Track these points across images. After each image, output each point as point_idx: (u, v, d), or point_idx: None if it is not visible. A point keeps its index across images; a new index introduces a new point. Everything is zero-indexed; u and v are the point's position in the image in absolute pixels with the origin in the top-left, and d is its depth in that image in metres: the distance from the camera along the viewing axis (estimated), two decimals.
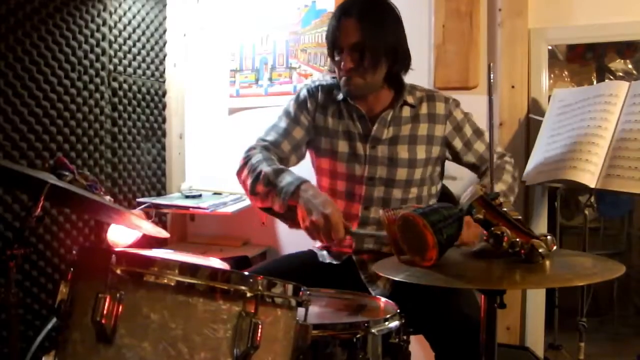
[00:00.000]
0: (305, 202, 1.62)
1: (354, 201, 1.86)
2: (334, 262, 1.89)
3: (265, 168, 1.73)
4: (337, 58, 1.78)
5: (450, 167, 2.02)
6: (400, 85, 1.86)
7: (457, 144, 1.89)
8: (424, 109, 1.87)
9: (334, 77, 1.91)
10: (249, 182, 1.76)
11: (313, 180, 1.91)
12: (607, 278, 1.11)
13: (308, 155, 1.97)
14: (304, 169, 1.92)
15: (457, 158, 1.92)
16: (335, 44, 1.76)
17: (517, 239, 1.16)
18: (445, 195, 2.05)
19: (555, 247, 1.19)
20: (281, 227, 2.88)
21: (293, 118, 1.90)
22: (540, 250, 1.14)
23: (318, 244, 1.99)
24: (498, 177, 1.86)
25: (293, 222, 1.69)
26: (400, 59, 1.81)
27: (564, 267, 1.19)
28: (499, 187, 1.82)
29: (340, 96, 1.87)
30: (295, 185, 1.65)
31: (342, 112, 1.88)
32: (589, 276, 1.14)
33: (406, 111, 1.86)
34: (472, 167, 1.94)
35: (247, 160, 1.81)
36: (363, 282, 1.81)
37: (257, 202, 1.78)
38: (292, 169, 1.80)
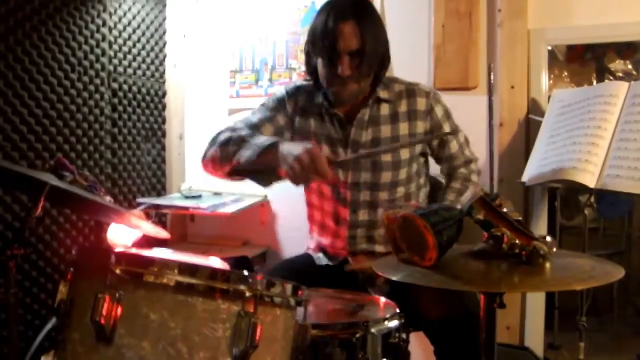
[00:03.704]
0: (286, 149, 1.57)
1: (341, 205, 1.84)
2: (330, 264, 1.90)
3: (236, 134, 1.72)
4: (324, 63, 1.70)
5: None
6: (377, 81, 1.79)
7: (434, 140, 1.87)
8: (403, 106, 1.81)
9: (307, 80, 1.86)
10: (214, 149, 1.77)
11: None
12: (606, 282, 1.11)
13: None
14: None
15: (432, 152, 1.92)
16: (332, 48, 1.66)
17: (517, 241, 1.17)
18: (435, 184, 2.05)
19: (555, 249, 1.19)
20: (281, 227, 2.88)
21: (267, 115, 1.85)
22: (541, 253, 1.15)
23: (314, 245, 1.99)
24: (462, 191, 1.86)
25: (269, 177, 1.66)
26: (387, 62, 1.78)
27: (563, 269, 1.19)
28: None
29: (320, 99, 1.81)
30: (271, 140, 1.62)
31: (323, 117, 1.83)
32: (587, 280, 1.14)
33: (384, 109, 1.81)
34: (439, 161, 1.93)
35: (214, 138, 1.81)
36: (360, 282, 1.81)
37: (223, 168, 1.75)
38: None
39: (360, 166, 1.80)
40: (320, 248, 1.94)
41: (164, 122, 2.94)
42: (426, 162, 1.96)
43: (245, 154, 1.66)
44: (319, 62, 1.73)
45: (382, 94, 1.80)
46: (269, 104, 1.89)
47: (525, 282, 1.15)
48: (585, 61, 3.39)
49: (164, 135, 2.94)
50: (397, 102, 1.81)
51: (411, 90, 1.83)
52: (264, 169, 1.67)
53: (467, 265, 1.24)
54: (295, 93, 1.88)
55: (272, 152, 1.60)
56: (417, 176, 1.89)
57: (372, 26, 1.68)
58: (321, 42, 1.68)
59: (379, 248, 1.84)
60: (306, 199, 1.97)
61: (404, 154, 1.81)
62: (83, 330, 0.96)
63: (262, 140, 1.66)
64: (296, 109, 1.86)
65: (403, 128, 1.81)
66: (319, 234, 1.94)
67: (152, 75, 2.85)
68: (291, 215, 2.82)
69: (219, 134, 1.83)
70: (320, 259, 1.91)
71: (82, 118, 2.43)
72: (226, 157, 1.73)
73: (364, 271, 1.81)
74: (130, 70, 2.69)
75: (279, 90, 1.91)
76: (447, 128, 1.86)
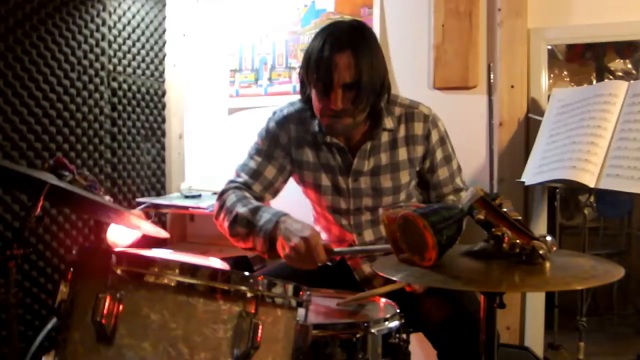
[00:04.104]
0: (284, 232, 1.55)
1: (346, 229, 1.83)
2: (328, 264, 1.89)
3: (241, 209, 1.66)
4: (320, 94, 1.62)
5: None
6: (379, 113, 1.73)
7: (425, 164, 1.83)
8: (401, 132, 1.77)
9: (301, 102, 1.80)
10: (226, 224, 1.70)
11: (302, 204, 1.91)
12: (606, 281, 1.10)
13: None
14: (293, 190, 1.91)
15: (420, 179, 1.88)
16: (325, 80, 1.58)
17: (518, 240, 1.16)
18: None
19: (555, 249, 1.19)
20: None
21: (264, 156, 1.81)
22: (541, 252, 1.15)
23: None
24: None
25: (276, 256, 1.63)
26: (387, 91, 1.71)
27: (564, 269, 1.19)
28: None
29: (316, 127, 1.75)
30: (274, 222, 1.58)
31: (319, 144, 1.78)
32: (588, 280, 1.13)
33: (384, 136, 1.77)
34: (424, 186, 1.90)
35: (222, 204, 1.75)
36: (357, 282, 1.81)
37: (239, 244, 1.71)
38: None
39: (361, 192, 1.78)
40: None
41: (163, 121, 2.94)
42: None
43: (258, 243, 1.62)
44: (313, 92, 1.66)
45: (387, 123, 1.75)
46: (263, 143, 1.83)
47: (526, 281, 1.15)
48: (585, 60, 3.39)
49: (163, 134, 2.94)
50: (396, 129, 1.78)
51: (410, 115, 1.78)
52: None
53: (467, 265, 1.24)
54: (285, 123, 1.81)
55: (276, 229, 1.58)
56: (416, 190, 1.90)
57: (369, 56, 1.59)
58: (315, 72, 1.59)
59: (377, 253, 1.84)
60: (314, 220, 1.97)
61: (404, 177, 1.79)
62: (84, 331, 0.96)
63: (266, 221, 1.61)
64: (290, 139, 1.81)
65: (402, 153, 1.78)
66: None
67: (152, 75, 2.84)
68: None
69: (223, 195, 1.77)
70: None
71: (81, 117, 2.43)
72: (239, 237, 1.69)
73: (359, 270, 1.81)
74: (129, 70, 2.69)
75: (270, 122, 1.84)
76: (439, 154, 1.83)
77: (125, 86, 2.66)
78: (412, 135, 1.78)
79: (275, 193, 1.86)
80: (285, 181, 1.87)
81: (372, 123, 1.75)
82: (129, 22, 2.68)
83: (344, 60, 1.56)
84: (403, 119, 1.78)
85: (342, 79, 1.57)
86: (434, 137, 1.81)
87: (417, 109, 1.80)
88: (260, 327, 0.97)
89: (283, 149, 1.81)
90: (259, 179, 1.80)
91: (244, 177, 1.81)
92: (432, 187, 1.88)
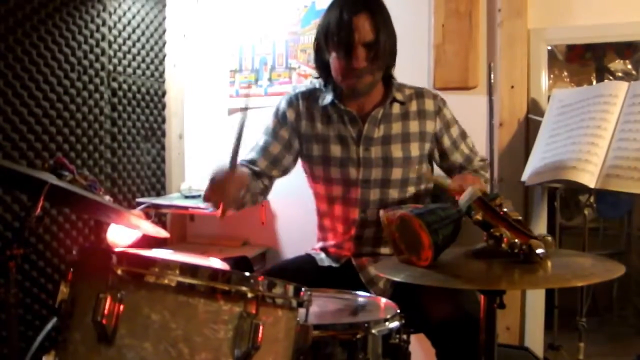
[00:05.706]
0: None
1: (351, 205, 1.85)
2: (333, 265, 1.89)
3: None
4: (339, 56, 1.72)
5: None
6: (390, 82, 1.87)
7: (446, 141, 1.90)
8: (413, 106, 1.87)
9: (316, 78, 1.92)
10: None
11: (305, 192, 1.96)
12: (606, 278, 1.11)
13: (300, 164, 1.97)
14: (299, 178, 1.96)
15: (444, 156, 1.92)
16: (346, 41, 1.69)
17: (517, 240, 1.16)
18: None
19: (554, 248, 1.19)
20: (281, 227, 2.88)
21: (271, 133, 1.92)
22: (538, 252, 1.15)
23: (317, 245, 1.99)
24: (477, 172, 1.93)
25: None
26: (395, 55, 1.84)
27: (563, 267, 1.20)
28: None
29: (328, 99, 1.85)
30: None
31: (330, 117, 1.87)
32: (587, 277, 1.14)
33: (396, 108, 1.86)
34: (457, 168, 1.94)
35: None
36: (363, 284, 1.81)
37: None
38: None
39: (372, 162, 1.82)
40: (323, 249, 1.94)
41: (163, 121, 2.94)
42: (432, 170, 1.99)
43: None
44: (333, 56, 1.76)
45: (397, 95, 1.86)
46: (272, 122, 1.94)
47: (525, 279, 1.15)
48: (585, 61, 3.39)
49: (163, 134, 2.94)
50: (408, 103, 1.87)
51: (420, 92, 1.90)
52: None
53: (467, 264, 1.24)
54: (294, 100, 1.92)
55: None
56: (426, 179, 1.91)
57: (384, 18, 1.74)
58: (337, 35, 1.71)
59: (384, 250, 1.85)
60: (316, 208, 1.98)
61: (414, 150, 1.85)
62: (84, 331, 0.95)
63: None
64: (299, 115, 1.90)
65: (413, 126, 1.86)
66: (327, 239, 1.95)
67: (152, 75, 2.85)
68: (291, 215, 2.81)
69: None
70: (323, 260, 1.91)
71: (81, 117, 2.43)
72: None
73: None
74: (129, 70, 2.69)
75: (281, 102, 1.95)
76: (455, 130, 1.92)
77: (125, 86, 2.66)
78: (423, 110, 1.87)
79: (283, 170, 1.94)
80: (294, 160, 1.95)
81: (384, 93, 1.86)
82: (129, 23, 2.68)
83: (362, 21, 1.69)
84: (414, 96, 1.89)
85: (362, 39, 1.69)
86: (447, 114, 1.91)
87: (425, 89, 1.93)
88: (261, 327, 0.97)
89: (290, 126, 1.91)
90: (263, 154, 1.91)
91: (251, 155, 1.92)
92: (465, 163, 1.94)
